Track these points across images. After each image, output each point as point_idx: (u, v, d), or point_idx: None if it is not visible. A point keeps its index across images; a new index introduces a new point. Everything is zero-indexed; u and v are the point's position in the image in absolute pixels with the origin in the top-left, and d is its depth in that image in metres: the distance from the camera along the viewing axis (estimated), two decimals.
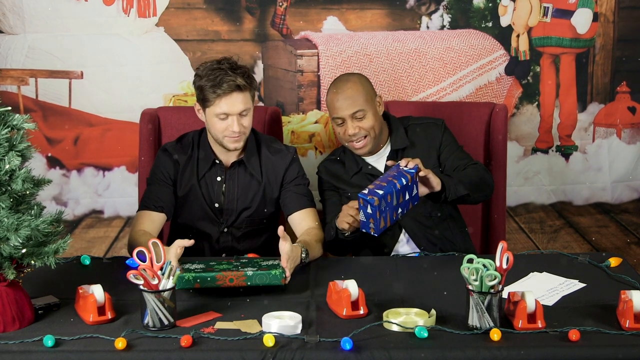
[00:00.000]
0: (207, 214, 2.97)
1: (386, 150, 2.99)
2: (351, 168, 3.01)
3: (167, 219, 2.92)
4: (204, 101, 2.82)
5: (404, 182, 2.58)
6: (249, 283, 2.40)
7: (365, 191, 2.55)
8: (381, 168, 2.98)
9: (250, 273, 2.40)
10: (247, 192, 2.96)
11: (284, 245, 2.47)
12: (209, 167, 2.95)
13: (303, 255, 2.60)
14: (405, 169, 2.62)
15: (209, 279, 2.40)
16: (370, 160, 3.00)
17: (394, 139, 2.99)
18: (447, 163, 2.95)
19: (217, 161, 2.95)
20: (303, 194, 2.96)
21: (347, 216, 2.71)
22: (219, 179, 2.96)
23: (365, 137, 2.90)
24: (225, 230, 2.99)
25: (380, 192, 2.54)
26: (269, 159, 2.97)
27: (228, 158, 2.95)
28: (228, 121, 2.81)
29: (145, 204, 2.89)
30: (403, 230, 2.98)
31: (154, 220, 2.86)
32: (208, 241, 3.00)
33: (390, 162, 2.77)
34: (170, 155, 2.95)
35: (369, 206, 2.53)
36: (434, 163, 2.95)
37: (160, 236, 3.00)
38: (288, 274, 2.44)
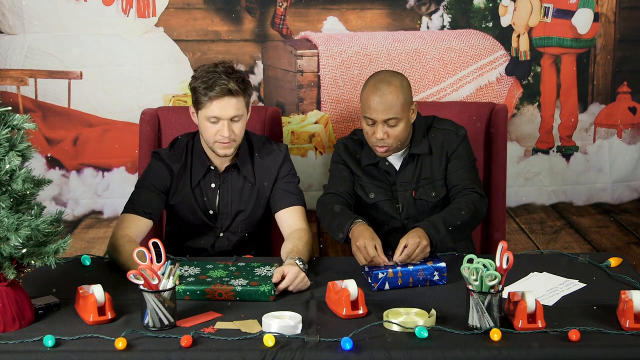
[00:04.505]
0: (202, 221, 2.96)
1: (406, 151, 2.95)
2: (369, 156, 2.96)
3: (152, 225, 2.85)
4: (196, 103, 2.80)
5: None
6: (237, 298, 2.41)
7: (381, 275, 2.51)
8: (397, 166, 2.95)
9: (239, 289, 2.41)
10: (241, 195, 2.94)
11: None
12: (203, 174, 2.92)
13: (301, 266, 2.55)
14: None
15: (198, 292, 2.41)
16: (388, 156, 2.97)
17: (414, 142, 2.94)
18: (450, 177, 2.92)
19: (212, 167, 2.92)
20: (292, 192, 2.93)
21: (363, 256, 2.59)
22: (213, 185, 2.94)
23: (391, 144, 2.86)
24: (221, 235, 2.98)
25: (386, 286, 2.52)
26: (262, 163, 2.94)
27: (222, 162, 2.93)
28: (218, 125, 2.78)
29: (133, 207, 2.82)
30: None
31: (140, 225, 2.80)
32: (204, 247, 2.99)
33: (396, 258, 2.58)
34: (165, 164, 2.91)
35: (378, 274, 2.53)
36: (443, 171, 2.94)
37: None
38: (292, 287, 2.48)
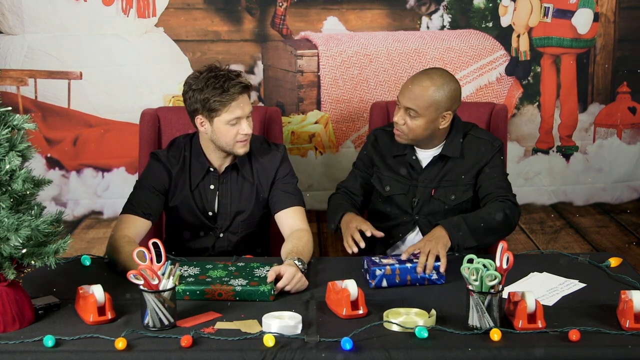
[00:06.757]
0: (202, 222, 2.95)
1: (437, 150, 2.95)
2: (398, 147, 2.98)
3: (151, 225, 2.84)
4: (210, 111, 2.76)
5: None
6: (237, 298, 2.41)
7: (379, 272, 2.50)
8: (424, 164, 2.96)
9: (239, 289, 2.41)
10: (241, 196, 2.94)
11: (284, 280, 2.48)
12: (202, 176, 2.92)
13: (300, 266, 2.54)
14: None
15: (197, 292, 2.41)
16: (418, 151, 2.97)
17: (447, 144, 2.94)
18: (483, 185, 2.91)
19: (212, 169, 2.92)
20: (291, 192, 2.92)
21: (351, 242, 2.73)
22: (212, 187, 2.93)
23: (404, 133, 2.89)
24: (221, 235, 2.98)
25: (384, 283, 2.52)
26: (260, 161, 2.94)
27: (222, 163, 2.92)
28: (238, 125, 2.78)
29: (133, 208, 2.81)
30: (417, 229, 2.97)
31: (139, 226, 2.79)
32: (204, 248, 2.99)
33: (404, 256, 2.59)
34: (164, 165, 2.91)
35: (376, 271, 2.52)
36: (470, 178, 2.93)
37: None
38: (290, 288, 2.47)
